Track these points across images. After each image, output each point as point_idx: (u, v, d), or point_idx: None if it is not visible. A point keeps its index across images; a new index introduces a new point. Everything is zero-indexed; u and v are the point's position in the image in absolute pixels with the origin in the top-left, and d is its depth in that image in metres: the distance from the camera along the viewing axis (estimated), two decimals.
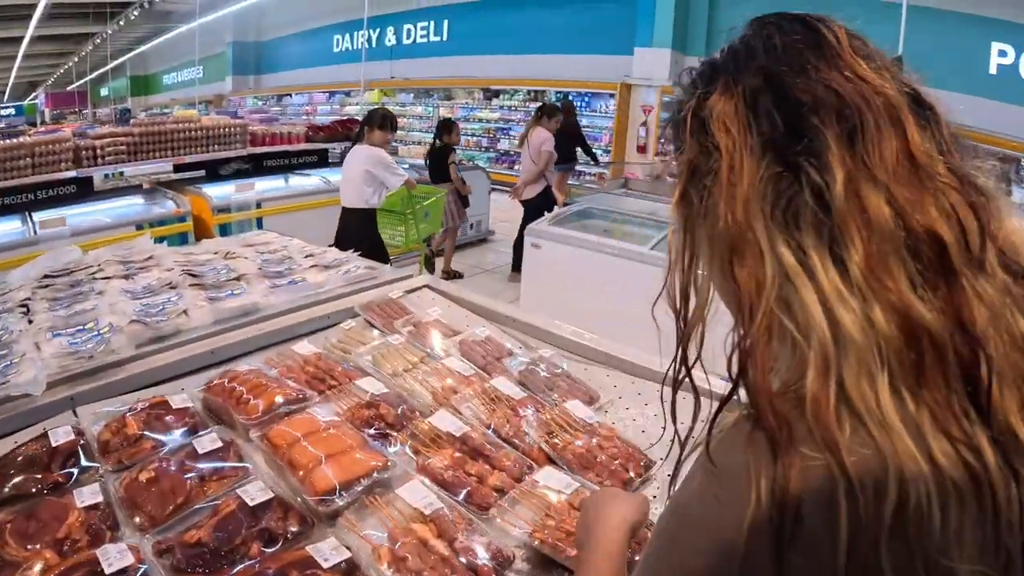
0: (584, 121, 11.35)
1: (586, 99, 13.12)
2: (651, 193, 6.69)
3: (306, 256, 2.85)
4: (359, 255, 5.10)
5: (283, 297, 2.44)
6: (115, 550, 1.26)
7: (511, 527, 1.43)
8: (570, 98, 12.03)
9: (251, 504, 1.42)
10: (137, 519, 1.39)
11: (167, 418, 1.71)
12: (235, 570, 1.27)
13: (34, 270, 2.55)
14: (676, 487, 0.71)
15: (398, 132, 7.23)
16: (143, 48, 24.35)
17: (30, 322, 2.12)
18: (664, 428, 1.37)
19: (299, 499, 1.49)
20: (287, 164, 7.06)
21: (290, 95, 20.49)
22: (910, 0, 7.45)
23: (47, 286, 2.44)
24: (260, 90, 22.07)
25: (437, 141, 7.20)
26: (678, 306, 0.72)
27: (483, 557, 1.34)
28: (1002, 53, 9.47)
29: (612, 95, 12.31)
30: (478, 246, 8.47)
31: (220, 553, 1.30)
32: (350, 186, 5.10)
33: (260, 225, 5.83)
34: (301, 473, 1.54)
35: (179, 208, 5.78)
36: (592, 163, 10.16)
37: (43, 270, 2.56)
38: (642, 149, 11.53)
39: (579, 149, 9.29)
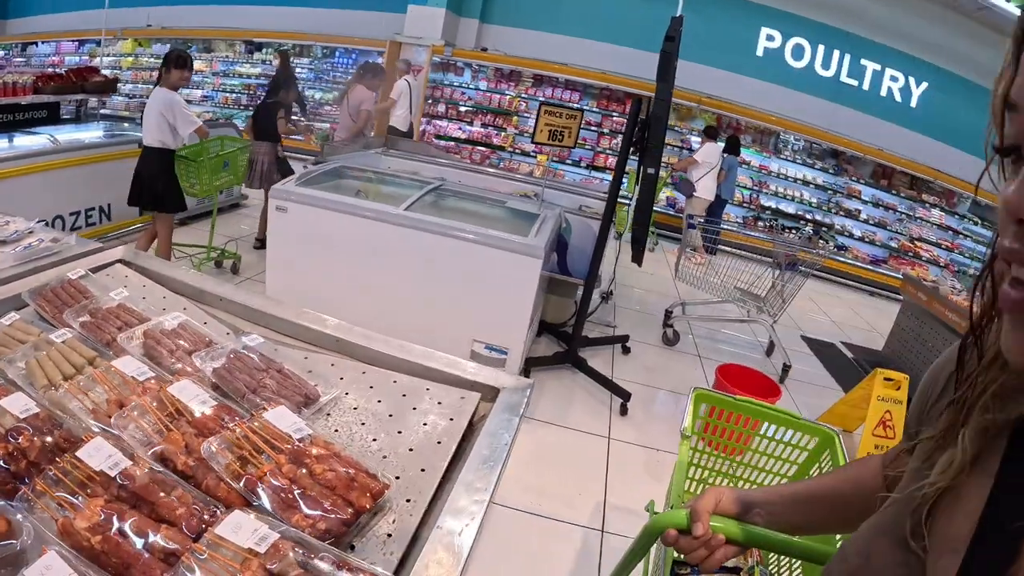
0: None
1: (354, 56, 12.97)
2: (415, 152, 6.42)
3: None
4: (154, 196, 5.15)
5: None
6: None
7: None
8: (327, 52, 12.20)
9: None
10: None
11: None
12: None
13: None
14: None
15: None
16: None
17: None
18: (400, 432, 1.28)
19: None
20: (11, 120, 5.97)
21: (36, 43, 17.93)
22: None
23: None
24: (3, 37, 19.27)
25: (268, 97, 6.89)
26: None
27: None
28: (770, 37, 11.05)
29: (381, 52, 12.05)
30: (229, 212, 7.76)
31: None
32: (148, 126, 5.10)
33: None
34: None
35: None
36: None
37: None
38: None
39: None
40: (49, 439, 1.35)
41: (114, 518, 1.17)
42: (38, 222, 2.33)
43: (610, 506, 3.46)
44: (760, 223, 11.10)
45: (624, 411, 4.49)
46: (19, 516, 1.18)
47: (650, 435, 4.26)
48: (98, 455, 1.29)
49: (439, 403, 1.59)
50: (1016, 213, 0.53)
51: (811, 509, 1.13)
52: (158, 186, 5.16)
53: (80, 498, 1.22)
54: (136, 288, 2.01)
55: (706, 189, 9.24)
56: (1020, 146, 0.55)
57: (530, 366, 4.70)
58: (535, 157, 11.45)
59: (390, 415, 1.55)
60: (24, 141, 5.62)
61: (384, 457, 1.42)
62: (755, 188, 11.24)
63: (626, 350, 5.57)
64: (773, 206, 11.20)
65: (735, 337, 6.48)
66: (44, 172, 5.42)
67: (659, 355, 5.74)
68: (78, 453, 1.29)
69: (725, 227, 9.12)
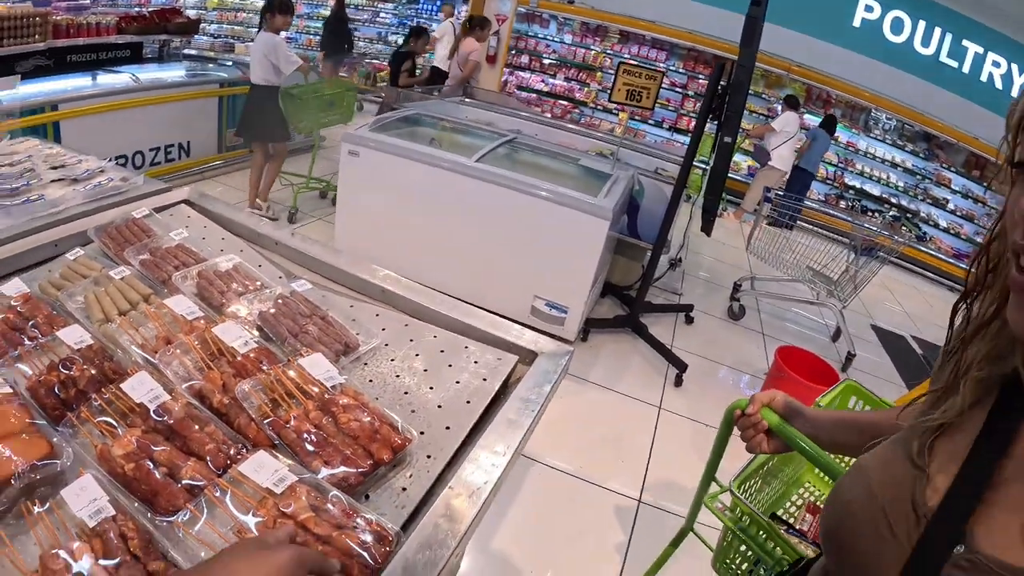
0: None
1: (438, 2, 12.83)
2: (495, 104, 6.40)
3: (53, 167, 2.34)
4: (261, 127, 5.68)
5: (7, 222, 1.97)
6: None
7: (199, 544, 1.11)
8: None
9: None
10: None
11: None
12: None
13: None
14: None
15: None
16: None
17: None
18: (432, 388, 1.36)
19: None
20: (95, 60, 6.16)
21: None
22: None
23: None
24: None
25: (403, 45, 7.64)
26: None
27: None
28: (868, 8, 10.15)
29: (465, 0, 11.91)
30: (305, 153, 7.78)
31: None
32: (254, 66, 5.57)
33: (57, 131, 5.06)
34: None
35: None
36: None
37: None
38: (491, 59, 11.10)
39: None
40: (97, 371, 1.44)
41: (148, 448, 1.24)
42: (117, 158, 2.42)
43: (651, 476, 3.46)
44: (843, 202, 10.53)
45: (679, 382, 4.45)
46: (63, 440, 1.27)
47: (702, 409, 4.20)
48: (140, 388, 1.36)
49: (475, 362, 1.61)
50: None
51: (848, 431, 1.34)
52: (265, 119, 5.62)
53: (120, 427, 1.29)
54: (197, 229, 2.09)
55: (782, 159, 8.89)
56: None
57: (590, 327, 4.70)
58: (616, 115, 11.24)
59: (425, 370, 1.58)
60: (107, 80, 5.79)
61: (412, 411, 1.45)
62: (840, 165, 10.66)
63: (689, 320, 5.50)
64: (857, 186, 10.62)
65: (802, 318, 6.30)
66: (126, 110, 5.60)
67: (722, 328, 5.64)
68: (122, 385, 1.36)
69: (806, 204, 8.76)
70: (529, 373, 1.57)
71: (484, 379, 1.55)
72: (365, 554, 1.07)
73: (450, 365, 1.59)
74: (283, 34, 5.71)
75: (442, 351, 1.64)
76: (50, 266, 1.88)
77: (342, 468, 1.23)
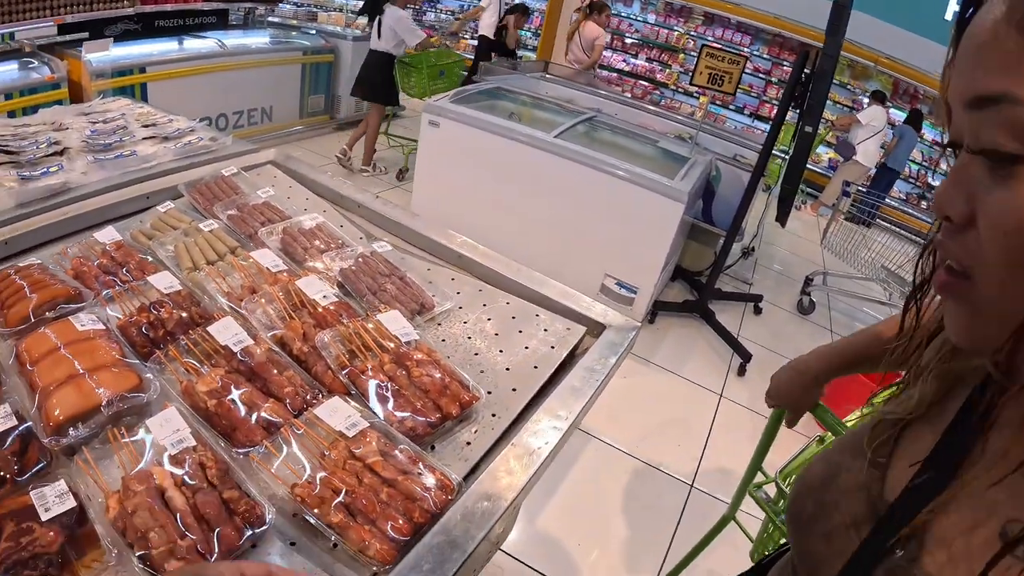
0: None
1: None
2: (573, 80, 6.38)
3: (145, 125, 2.45)
4: (373, 89, 6.18)
5: (102, 174, 2.08)
6: None
7: (271, 478, 1.18)
8: None
9: None
10: None
11: None
12: None
13: None
14: None
15: None
16: None
17: None
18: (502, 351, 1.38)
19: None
20: (182, 25, 6.30)
21: None
22: None
23: None
24: None
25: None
26: None
27: (228, 512, 1.10)
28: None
29: None
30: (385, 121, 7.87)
31: None
32: (379, 35, 6.03)
33: (145, 91, 5.27)
34: (39, 397, 1.28)
35: (53, 74, 5.06)
36: None
37: None
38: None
39: None
40: (185, 314, 1.52)
41: (231, 387, 1.31)
42: (202, 119, 2.52)
43: (706, 463, 3.46)
44: (924, 202, 10.08)
45: (742, 371, 4.42)
46: (150, 375, 1.35)
47: (763, 401, 4.14)
48: (226, 332, 1.43)
49: (545, 330, 1.65)
50: (937, 210, 0.57)
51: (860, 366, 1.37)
52: (378, 82, 6.11)
53: (204, 367, 1.37)
54: (283, 188, 2.16)
55: (867, 154, 8.56)
56: (956, 142, 0.57)
57: (658, 309, 4.70)
58: (697, 99, 11.06)
59: (496, 334, 1.62)
60: (193, 44, 5.96)
61: (481, 372, 1.50)
62: (925, 164, 10.23)
63: (757, 310, 5.44)
64: None
65: (871, 318, 6.02)
66: (211, 74, 5.80)
67: (790, 322, 5.55)
68: (209, 328, 1.44)
69: (886, 201, 8.49)
70: (596, 344, 1.60)
71: (552, 347, 1.59)
72: (428, 497, 1.13)
73: (520, 331, 1.63)
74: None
75: (513, 317, 1.69)
76: (141, 217, 1.98)
77: (412, 418, 1.28)
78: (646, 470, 3.27)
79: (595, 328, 1.68)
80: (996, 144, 0.50)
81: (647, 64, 11.75)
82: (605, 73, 11.46)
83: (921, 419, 0.76)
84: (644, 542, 2.89)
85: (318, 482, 1.14)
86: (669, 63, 11.61)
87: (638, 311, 4.27)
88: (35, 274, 1.61)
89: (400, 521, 1.09)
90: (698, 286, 5.26)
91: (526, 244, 4.26)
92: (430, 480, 1.16)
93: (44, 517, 1.07)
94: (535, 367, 1.52)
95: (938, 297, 0.66)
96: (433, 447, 1.31)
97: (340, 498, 1.12)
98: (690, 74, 5.14)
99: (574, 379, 1.46)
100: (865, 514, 0.74)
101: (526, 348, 1.58)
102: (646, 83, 11.63)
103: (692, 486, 3.25)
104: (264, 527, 1.10)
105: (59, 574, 1.02)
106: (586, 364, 1.51)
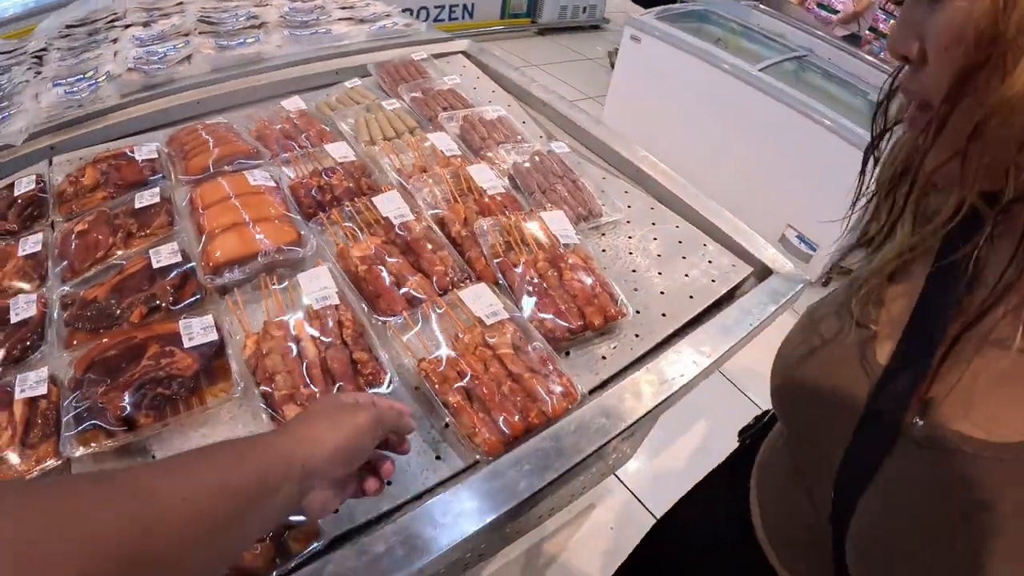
0: None
1: None
2: (787, 14, 5.94)
3: (343, 7, 2.49)
4: None
5: (295, 49, 2.14)
6: (24, 300, 1.24)
7: (403, 348, 1.16)
8: None
9: (155, 266, 1.30)
10: (58, 269, 1.35)
11: (126, 169, 1.58)
12: (110, 331, 1.18)
13: (59, 19, 2.31)
14: None
15: None
16: None
17: (37, 74, 1.98)
18: (660, 273, 1.38)
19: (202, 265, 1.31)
20: None
21: None
22: None
23: (67, 35, 2.22)
24: None
25: None
26: None
27: (353, 371, 1.11)
28: None
29: None
30: (589, 32, 7.47)
31: (106, 313, 1.22)
32: None
33: None
34: (204, 239, 1.34)
35: None
36: None
37: (68, 20, 2.32)
38: None
39: None
40: (354, 184, 1.53)
41: (383, 256, 1.31)
42: (400, 9, 2.53)
43: None
44: None
45: None
46: (309, 234, 1.37)
47: None
48: (389, 204, 1.43)
49: (709, 262, 1.54)
50: (892, 53, 0.60)
51: None
52: None
53: (363, 234, 1.37)
54: (470, 79, 2.14)
55: None
56: None
57: (833, 272, 4.38)
58: None
59: (659, 255, 1.53)
60: None
61: (635, 290, 1.42)
62: None
63: None
64: None
65: None
66: None
67: None
68: (374, 199, 1.44)
69: None
70: (759, 287, 1.46)
71: (713, 280, 1.48)
72: (548, 400, 1.08)
73: (684, 257, 1.53)
74: None
75: (680, 242, 1.58)
76: (328, 91, 2.01)
77: (553, 320, 1.23)
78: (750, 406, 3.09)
79: (762, 271, 1.55)
80: None
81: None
82: (824, 13, 10.72)
83: (901, 273, 0.74)
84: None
85: (445, 361, 1.12)
86: (893, 12, 10.71)
87: (813, 270, 4.01)
88: (220, 131, 1.68)
89: (515, 417, 1.05)
90: None
91: (711, 176, 4.03)
92: (555, 385, 1.11)
93: (187, 344, 1.13)
94: (690, 297, 1.42)
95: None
96: (568, 353, 1.25)
97: (463, 382, 1.09)
98: None
99: (727, 318, 1.34)
100: (860, 384, 0.70)
101: (686, 276, 1.48)
102: (868, 32, 10.80)
103: None
104: (385, 390, 1.09)
105: (188, 395, 1.07)
106: (743, 305, 1.39)
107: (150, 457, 1.02)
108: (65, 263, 1.34)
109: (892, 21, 5.23)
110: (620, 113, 4.54)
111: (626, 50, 4.35)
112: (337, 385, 1.08)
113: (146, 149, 1.64)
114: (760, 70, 3.89)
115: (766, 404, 0.99)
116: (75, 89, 1.85)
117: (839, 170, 3.71)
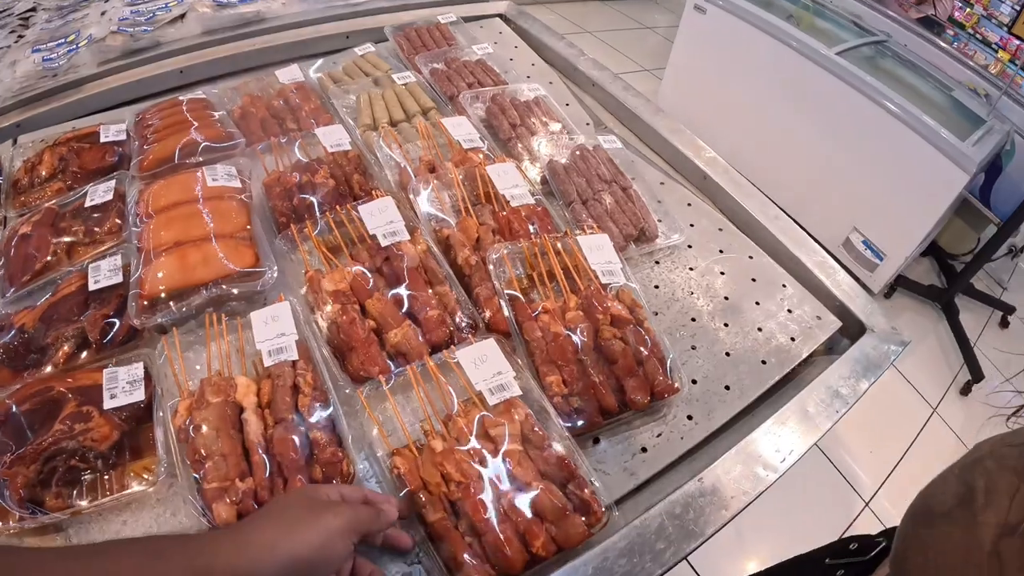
0: None
1: None
2: None
3: None
4: None
5: (302, 7, 1.84)
6: None
7: (378, 429, 0.87)
8: None
9: (92, 287, 1.08)
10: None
11: (86, 155, 1.37)
12: (26, 375, 1.00)
13: None
14: None
15: None
16: None
17: (20, 37, 1.75)
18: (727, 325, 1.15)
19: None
20: None
21: None
22: None
23: None
24: None
25: None
26: None
27: (308, 457, 0.84)
28: None
29: None
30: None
31: (32, 347, 1.03)
32: None
33: None
34: (142, 260, 1.08)
35: None
36: None
37: None
38: None
39: None
40: (344, 183, 1.25)
41: (363, 290, 1.01)
42: None
43: (892, 482, 2.90)
44: None
45: (966, 390, 3.64)
46: (273, 255, 1.10)
47: (975, 433, 3.42)
48: (379, 216, 1.13)
49: (789, 310, 1.22)
50: None
51: None
52: None
53: (342, 256, 1.09)
54: (506, 48, 1.82)
55: None
56: None
57: (898, 285, 4.03)
58: (996, 52, 9.61)
59: (725, 297, 1.22)
60: None
61: (692, 348, 1.11)
62: None
63: (1005, 323, 4.54)
64: None
65: None
66: None
67: None
68: (361, 208, 1.15)
69: None
70: (849, 355, 1.14)
71: (792, 338, 1.16)
72: (563, 524, 0.79)
73: (757, 303, 1.22)
74: None
75: (753, 280, 1.27)
76: (335, 58, 1.73)
77: (580, 399, 0.93)
78: (826, 467, 2.83)
79: (851, 324, 1.23)
80: None
81: None
82: None
83: None
84: (795, 543, 2.46)
85: (427, 458, 0.83)
86: (972, 2, 10.09)
87: (878, 280, 3.68)
88: (195, 110, 1.43)
89: (514, 547, 0.77)
90: (949, 272, 4.49)
91: (776, 166, 3.77)
92: (573, 498, 0.82)
93: (108, 403, 0.91)
94: (763, 362, 1.11)
95: None
96: (597, 440, 0.95)
97: (449, 488, 0.81)
98: (996, 20, 4.30)
99: (809, 399, 1.04)
100: None
101: (759, 330, 1.16)
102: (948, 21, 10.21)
103: (867, 504, 2.74)
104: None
105: (104, 473, 0.88)
106: (829, 381, 1.07)
107: (64, 536, 0.84)
108: (3, 272, 1.16)
109: (968, 9, 4.86)
110: (678, 90, 4.26)
111: (688, 20, 4.04)
112: (285, 479, 0.81)
113: (115, 129, 1.40)
114: (837, 53, 3.53)
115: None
116: (53, 55, 1.61)
117: (913, 171, 3.38)
